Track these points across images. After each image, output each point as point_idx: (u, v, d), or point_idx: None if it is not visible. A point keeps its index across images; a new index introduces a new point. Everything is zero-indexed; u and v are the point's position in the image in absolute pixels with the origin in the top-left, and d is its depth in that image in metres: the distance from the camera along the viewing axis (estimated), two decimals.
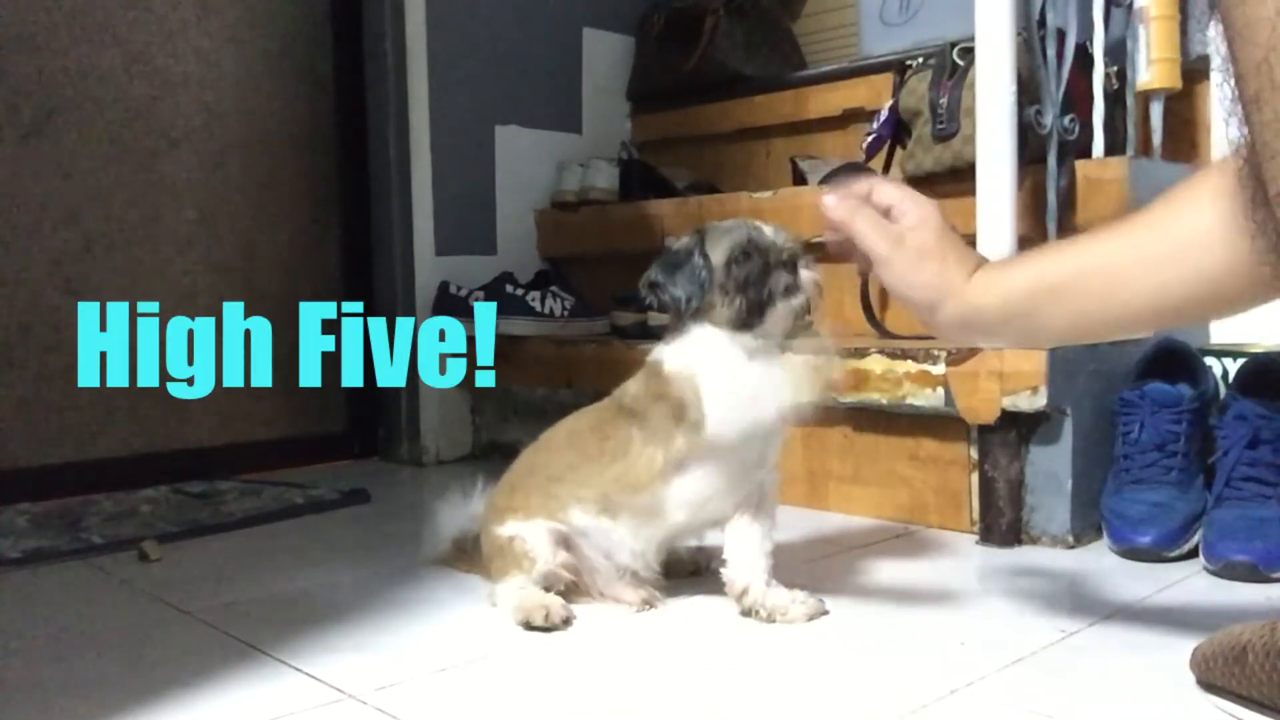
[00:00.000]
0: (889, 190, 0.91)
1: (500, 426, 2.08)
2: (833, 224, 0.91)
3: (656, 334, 1.71)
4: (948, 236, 0.89)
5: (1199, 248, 0.76)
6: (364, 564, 1.32)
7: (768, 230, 1.02)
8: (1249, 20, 0.62)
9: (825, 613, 1.05)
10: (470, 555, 1.24)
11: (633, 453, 1.06)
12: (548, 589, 1.09)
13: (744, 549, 1.07)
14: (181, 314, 1.90)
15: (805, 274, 1.01)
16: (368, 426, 2.14)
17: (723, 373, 1.01)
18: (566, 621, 1.05)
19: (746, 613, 1.06)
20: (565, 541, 1.10)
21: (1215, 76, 0.72)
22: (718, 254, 1.01)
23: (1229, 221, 0.73)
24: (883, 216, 0.90)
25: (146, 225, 1.88)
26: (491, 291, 1.98)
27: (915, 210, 0.89)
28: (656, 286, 1.03)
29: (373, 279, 2.13)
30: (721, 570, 1.08)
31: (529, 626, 1.04)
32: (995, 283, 0.87)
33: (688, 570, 1.19)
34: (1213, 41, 0.69)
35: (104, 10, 1.83)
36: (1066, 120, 1.44)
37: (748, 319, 1.00)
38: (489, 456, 2.05)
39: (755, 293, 0.99)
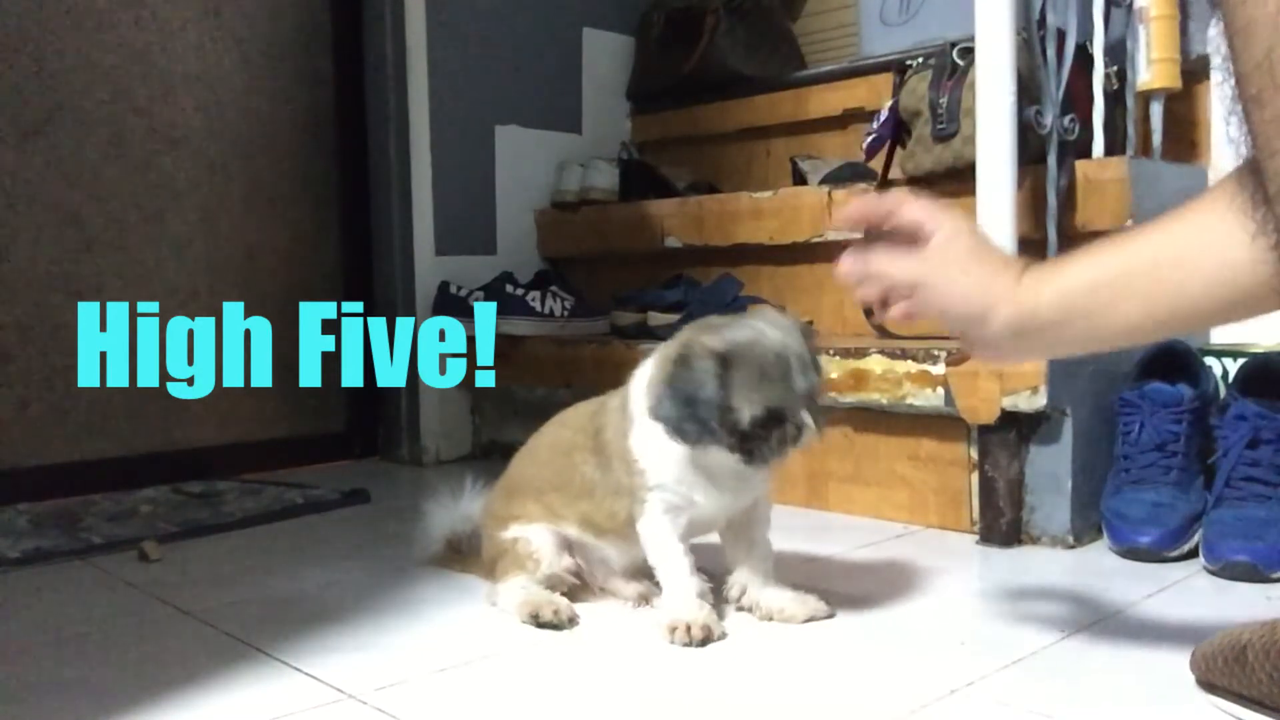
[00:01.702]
0: (915, 208, 0.84)
1: (500, 426, 2.08)
2: (848, 277, 0.87)
3: (657, 334, 1.72)
4: (985, 244, 0.84)
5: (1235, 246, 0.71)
6: (364, 564, 1.32)
7: (798, 377, 0.95)
8: (1250, 19, 0.62)
9: (830, 615, 1.05)
10: (464, 555, 1.24)
11: (596, 497, 1.07)
12: (550, 590, 1.09)
13: (740, 549, 1.08)
14: (181, 314, 1.91)
15: (808, 436, 0.96)
16: (368, 426, 2.14)
17: (671, 474, 1.01)
18: (573, 620, 1.05)
19: (745, 610, 1.06)
20: (568, 545, 1.11)
21: (1216, 75, 0.72)
22: (746, 405, 0.94)
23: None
24: (909, 234, 0.84)
25: (146, 225, 1.88)
26: (491, 291, 1.98)
27: (948, 222, 0.83)
28: (666, 419, 0.96)
29: (373, 279, 2.13)
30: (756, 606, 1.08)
31: (538, 623, 1.04)
32: (1050, 281, 0.80)
33: None
34: (1213, 41, 0.69)
35: (104, 10, 1.83)
36: (1066, 120, 1.44)
37: (747, 459, 0.97)
38: (489, 456, 2.05)
39: (762, 454, 0.96)
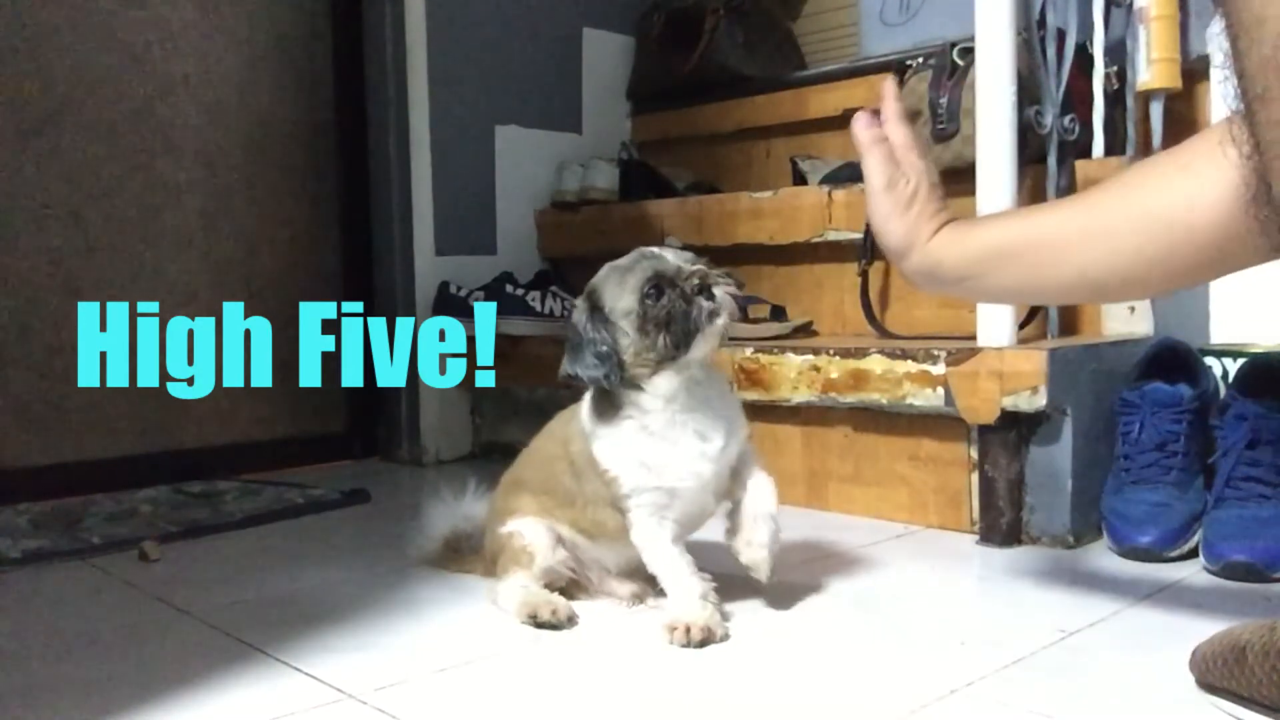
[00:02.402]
0: (900, 133, 0.96)
1: (500, 426, 2.08)
2: (854, 137, 0.97)
3: None
4: (927, 193, 0.95)
5: (1135, 232, 0.81)
6: (364, 564, 1.32)
7: (669, 256, 1.00)
8: (1257, 16, 0.62)
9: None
10: (462, 555, 1.24)
11: (578, 505, 1.08)
12: (548, 586, 1.09)
13: (745, 512, 1.06)
14: (181, 314, 1.91)
15: (721, 293, 0.98)
16: (368, 426, 2.14)
17: (638, 465, 1.01)
18: (571, 620, 1.05)
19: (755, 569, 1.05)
20: (562, 540, 1.12)
21: (1216, 74, 0.71)
22: (624, 299, 0.98)
23: (1181, 204, 0.78)
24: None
25: (146, 225, 1.88)
26: (491, 291, 1.98)
27: (906, 162, 0.95)
28: (574, 378, 1.01)
29: (373, 279, 2.13)
30: (732, 542, 1.07)
31: (537, 623, 1.04)
32: (955, 242, 0.93)
33: None
34: (1215, 38, 0.68)
35: (104, 10, 1.83)
36: (1066, 120, 1.44)
37: (675, 352, 0.98)
38: (489, 456, 2.05)
39: (679, 325, 0.97)
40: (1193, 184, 0.77)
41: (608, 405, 1.03)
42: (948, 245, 0.93)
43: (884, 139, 0.96)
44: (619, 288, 0.99)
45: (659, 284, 0.97)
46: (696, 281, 0.98)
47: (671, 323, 0.97)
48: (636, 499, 1.02)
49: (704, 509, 1.07)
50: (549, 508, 1.11)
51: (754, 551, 1.04)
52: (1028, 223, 0.92)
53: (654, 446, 1.01)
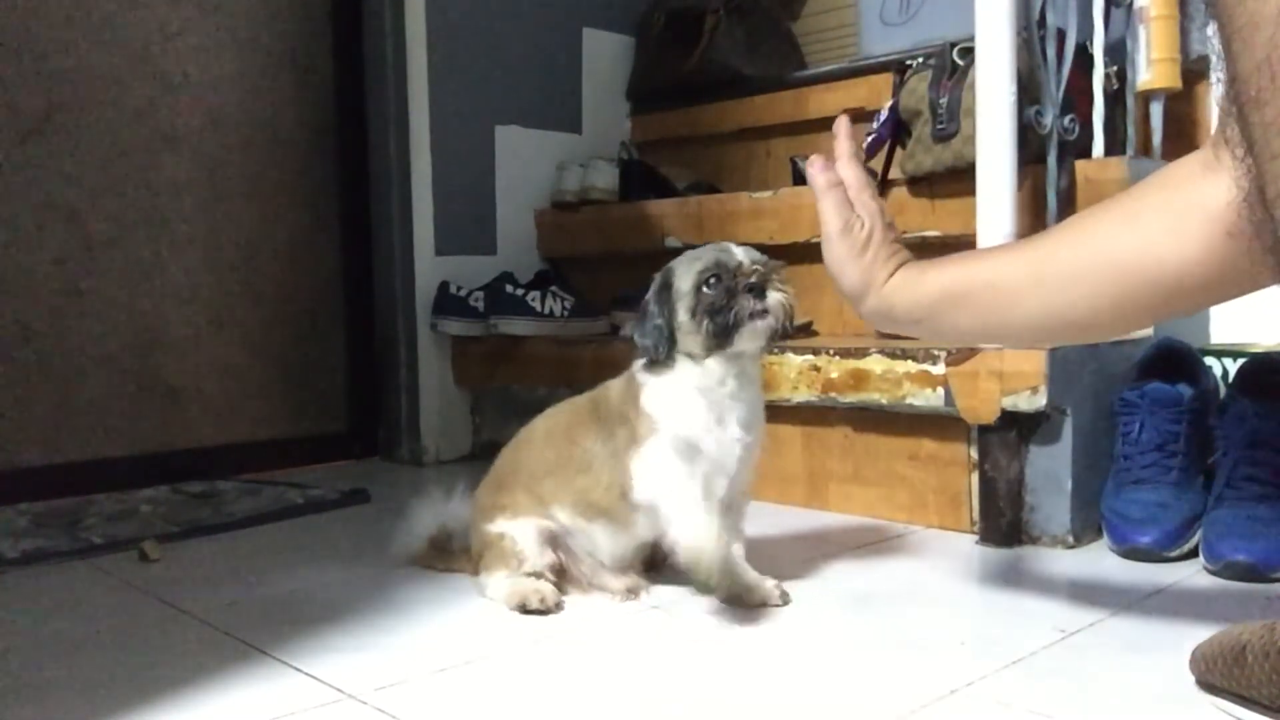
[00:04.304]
0: (853, 173, 0.98)
1: (500, 426, 2.07)
2: (809, 181, 0.98)
3: None
4: (881, 235, 0.96)
5: (1086, 281, 0.83)
6: (365, 564, 1.32)
7: (738, 252, 1.04)
8: (1250, 19, 0.62)
9: (783, 603, 1.08)
10: (450, 553, 1.24)
11: (595, 469, 1.09)
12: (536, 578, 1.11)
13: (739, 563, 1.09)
14: (182, 314, 1.91)
15: (774, 296, 1.02)
16: (368, 426, 2.14)
17: (682, 420, 1.04)
18: (559, 605, 1.08)
19: (719, 594, 1.08)
20: (553, 540, 1.13)
21: (1214, 76, 0.72)
22: (685, 281, 1.04)
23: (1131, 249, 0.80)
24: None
25: (146, 225, 1.88)
26: (491, 291, 1.98)
27: (859, 203, 0.97)
28: (630, 340, 1.08)
29: (373, 279, 2.13)
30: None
31: (525, 610, 1.06)
32: (908, 286, 0.94)
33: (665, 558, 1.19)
34: (1213, 41, 0.68)
35: (104, 10, 1.83)
36: (1066, 120, 1.44)
37: (717, 341, 1.02)
38: (489, 456, 2.04)
39: (722, 317, 1.01)
40: (1141, 237, 0.80)
41: (661, 368, 1.07)
42: (901, 288, 0.94)
43: (839, 183, 0.97)
44: (686, 271, 1.04)
45: (717, 274, 1.02)
46: (751, 280, 1.01)
47: (715, 313, 1.01)
48: (664, 434, 1.04)
49: (712, 486, 1.07)
50: (547, 492, 1.11)
51: (766, 587, 1.09)
52: (981, 266, 0.94)
53: (702, 405, 1.04)
